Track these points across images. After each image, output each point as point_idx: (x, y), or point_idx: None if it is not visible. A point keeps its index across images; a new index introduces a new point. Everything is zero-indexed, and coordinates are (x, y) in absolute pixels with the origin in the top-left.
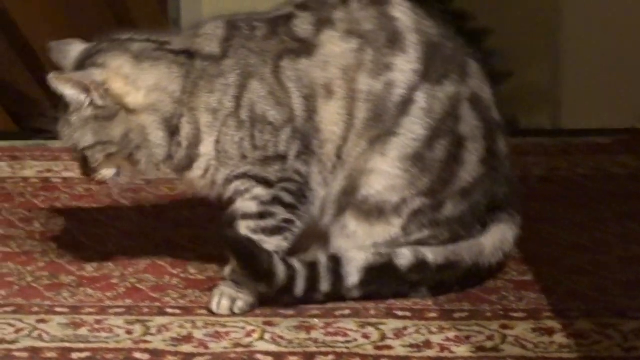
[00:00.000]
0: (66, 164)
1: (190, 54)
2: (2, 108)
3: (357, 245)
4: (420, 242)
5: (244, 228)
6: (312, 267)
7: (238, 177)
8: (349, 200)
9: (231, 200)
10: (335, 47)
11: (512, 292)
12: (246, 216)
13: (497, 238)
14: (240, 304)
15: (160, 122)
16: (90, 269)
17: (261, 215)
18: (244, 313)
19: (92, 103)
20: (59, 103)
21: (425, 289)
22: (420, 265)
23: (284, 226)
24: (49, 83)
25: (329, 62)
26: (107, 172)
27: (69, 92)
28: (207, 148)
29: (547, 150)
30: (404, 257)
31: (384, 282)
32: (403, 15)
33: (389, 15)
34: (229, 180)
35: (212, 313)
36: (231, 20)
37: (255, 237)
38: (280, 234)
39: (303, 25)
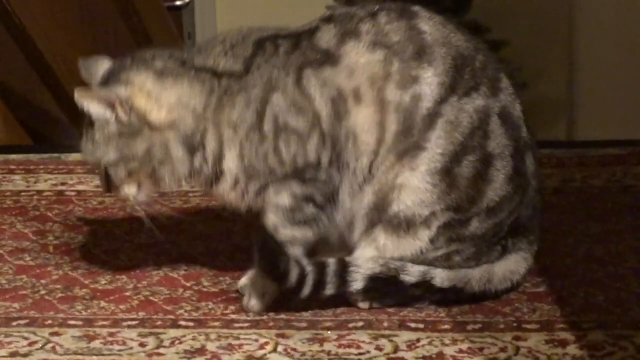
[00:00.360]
0: (80, 177)
1: (214, 72)
2: (17, 122)
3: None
4: (446, 257)
5: (274, 218)
6: (321, 270)
7: (269, 184)
8: (381, 216)
9: (264, 210)
10: (360, 58)
11: (525, 304)
12: (279, 208)
13: (509, 269)
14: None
15: (183, 138)
16: (104, 281)
17: (292, 209)
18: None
19: (116, 119)
20: (83, 119)
21: (428, 302)
22: (425, 284)
23: (311, 220)
24: (76, 100)
25: (355, 70)
26: (129, 189)
27: (95, 108)
28: (231, 163)
29: (561, 162)
30: (411, 274)
31: (386, 292)
32: (432, 28)
33: (418, 28)
34: (261, 191)
35: (226, 324)
36: (258, 39)
37: (284, 228)
38: (308, 226)
39: (326, 37)
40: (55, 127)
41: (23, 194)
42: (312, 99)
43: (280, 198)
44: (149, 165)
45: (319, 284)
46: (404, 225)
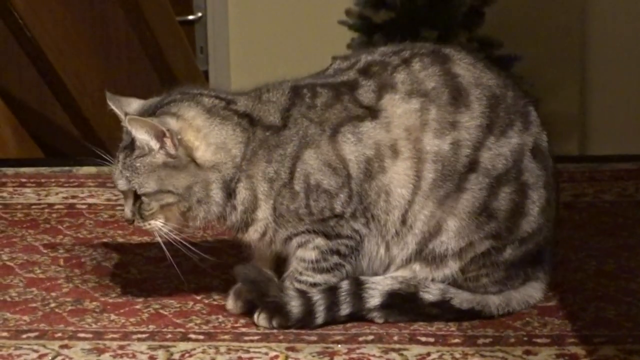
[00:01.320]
0: (91, 190)
1: (252, 120)
2: (28, 135)
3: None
4: (475, 279)
5: (300, 268)
6: (332, 294)
7: (298, 234)
8: (418, 256)
9: (290, 254)
10: (397, 109)
11: (536, 318)
12: (305, 260)
13: (527, 293)
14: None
15: (223, 182)
16: (114, 294)
17: (317, 261)
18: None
19: (163, 150)
20: (122, 140)
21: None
22: (444, 304)
23: (334, 269)
24: (125, 124)
25: (392, 122)
26: (155, 223)
27: (143, 136)
28: (264, 213)
29: (572, 177)
30: (431, 292)
31: (404, 309)
32: (465, 71)
33: (452, 72)
34: (289, 239)
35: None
36: (295, 86)
37: (306, 275)
38: (331, 273)
39: (367, 93)
40: (66, 140)
41: (34, 206)
42: (346, 159)
43: (307, 252)
44: (187, 202)
45: (333, 305)
46: (438, 259)
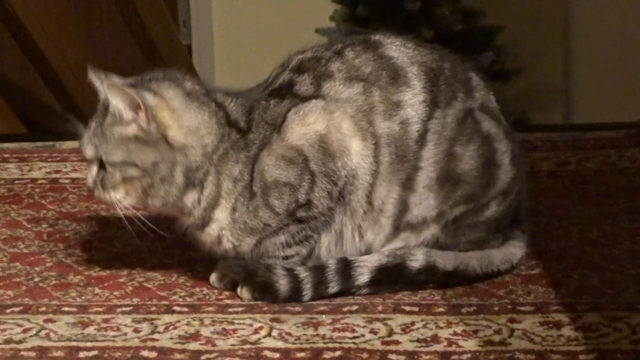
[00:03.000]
0: (74, 164)
1: (228, 118)
2: (11, 111)
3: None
4: (453, 235)
5: (271, 248)
6: (319, 273)
7: (267, 237)
8: (398, 230)
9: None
10: (340, 94)
11: (520, 286)
12: (275, 243)
13: (507, 252)
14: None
15: (187, 168)
16: (98, 268)
17: (288, 244)
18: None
19: (136, 123)
20: (96, 110)
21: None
22: (430, 269)
23: (304, 240)
24: (102, 89)
25: (338, 102)
26: (116, 194)
27: (118, 104)
28: (222, 214)
29: (555, 145)
30: (417, 260)
31: (392, 281)
32: (397, 52)
33: (385, 55)
34: (258, 244)
35: (221, 309)
36: (251, 95)
37: (277, 252)
38: (300, 244)
39: (305, 87)
40: (49, 116)
41: (17, 181)
42: (297, 144)
43: (279, 239)
44: (150, 178)
45: (320, 284)
46: (418, 226)
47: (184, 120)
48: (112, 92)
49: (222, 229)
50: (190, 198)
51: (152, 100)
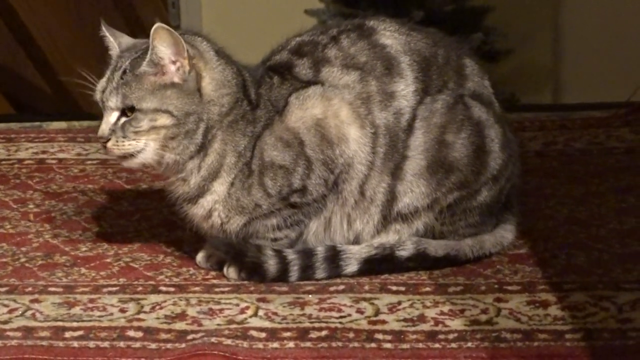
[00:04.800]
0: (61, 145)
1: (244, 84)
2: None
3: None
4: (450, 223)
5: (262, 230)
6: (307, 257)
7: (258, 218)
8: (387, 221)
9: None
10: (339, 80)
11: (506, 266)
12: (266, 225)
13: (499, 235)
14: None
15: (207, 126)
16: (84, 248)
17: (279, 226)
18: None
19: (177, 69)
20: (110, 65)
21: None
22: (420, 256)
23: (295, 224)
24: (153, 31)
25: (337, 88)
26: (135, 144)
27: (164, 48)
28: (221, 187)
29: (543, 125)
30: (406, 249)
31: (381, 270)
32: (391, 39)
33: (379, 43)
34: (247, 225)
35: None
36: (256, 71)
37: (267, 234)
38: (290, 228)
39: (304, 70)
40: (37, 97)
41: (4, 162)
42: (294, 127)
43: (270, 222)
44: (177, 129)
45: (308, 268)
46: (409, 216)
47: (214, 73)
48: (161, 35)
49: (216, 202)
50: (191, 164)
51: (191, 50)
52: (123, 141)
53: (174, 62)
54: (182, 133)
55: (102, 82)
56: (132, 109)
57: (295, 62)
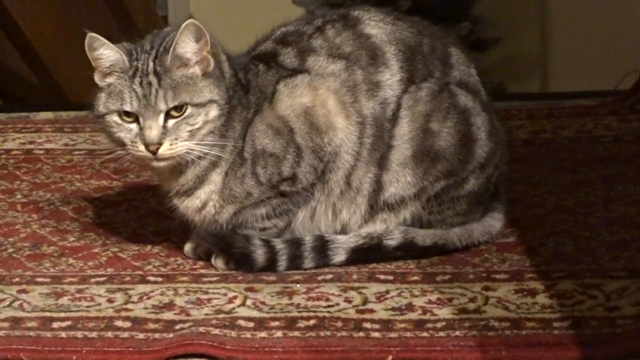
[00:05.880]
0: (49, 135)
1: (234, 68)
2: None
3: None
4: (438, 212)
5: (251, 219)
6: (295, 247)
7: (248, 207)
8: (374, 211)
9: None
10: (325, 69)
11: (495, 254)
12: (255, 215)
13: (487, 224)
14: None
15: (228, 111)
16: (72, 239)
17: (269, 216)
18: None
19: (202, 59)
20: (130, 72)
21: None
22: (408, 245)
23: (284, 214)
24: (183, 27)
25: (324, 76)
26: (189, 144)
27: (191, 43)
28: (218, 177)
29: (531, 114)
30: (393, 239)
31: (369, 259)
32: (376, 29)
33: (364, 33)
34: (237, 214)
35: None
36: (239, 59)
37: (256, 223)
38: (279, 217)
39: (289, 58)
40: (24, 88)
41: None
42: (284, 115)
43: (259, 211)
44: (219, 120)
45: (295, 258)
46: (396, 205)
47: (222, 57)
48: (191, 30)
49: (212, 192)
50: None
51: (208, 35)
52: (176, 142)
53: (204, 52)
54: (219, 124)
55: (134, 90)
56: (180, 108)
57: (280, 51)
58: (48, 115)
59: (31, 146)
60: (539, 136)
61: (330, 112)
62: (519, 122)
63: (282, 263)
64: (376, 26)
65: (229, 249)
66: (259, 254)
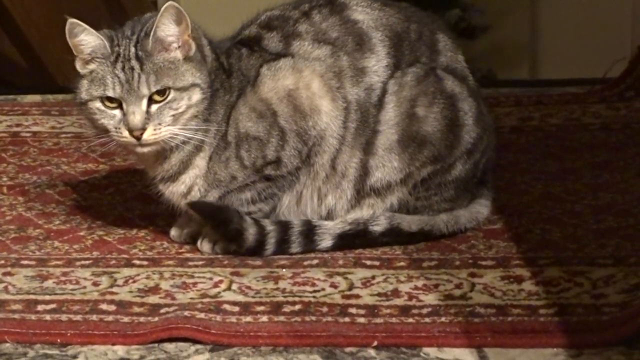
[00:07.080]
0: (36, 118)
1: (216, 51)
2: None
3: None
4: (425, 198)
5: (236, 203)
6: (284, 229)
7: (233, 191)
8: (362, 195)
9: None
10: (310, 54)
11: (481, 241)
12: (241, 199)
13: (474, 210)
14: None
15: (210, 95)
16: (57, 221)
17: (254, 201)
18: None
19: (183, 43)
20: (112, 57)
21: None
22: (394, 231)
23: (269, 198)
24: (163, 10)
25: (308, 60)
26: (172, 128)
27: (172, 26)
28: (202, 161)
29: (519, 101)
30: (379, 224)
31: (356, 245)
32: (363, 15)
33: (351, 19)
34: (222, 198)
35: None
36: (222, 43)
37: (241, 208)
38: (264, 202)
39: (272, 43)
40: (12, 70)
41: None
42: (267, 97)
43: (244, 195)
44: (202, 104)
45: (283, 242)
46: (382, 191)
47: (203, 40)
48: (170, 13)
49: (197, 177)
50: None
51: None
52: (160, 127)
53: (185, 36)
54: (202, 109)
55: (116, 75)
56: (162, 92)
57: (265, 35)
58: (35, 98)
59: (18, 129)
60: (527, 123)
61: (314, 95)
62: (507, 109)
63: (270, 247)
64: (363, 12)
65: (225, 224)
66: (250, 233)
